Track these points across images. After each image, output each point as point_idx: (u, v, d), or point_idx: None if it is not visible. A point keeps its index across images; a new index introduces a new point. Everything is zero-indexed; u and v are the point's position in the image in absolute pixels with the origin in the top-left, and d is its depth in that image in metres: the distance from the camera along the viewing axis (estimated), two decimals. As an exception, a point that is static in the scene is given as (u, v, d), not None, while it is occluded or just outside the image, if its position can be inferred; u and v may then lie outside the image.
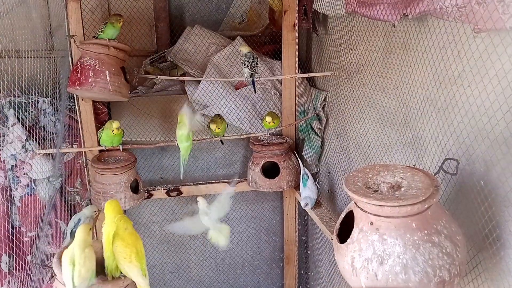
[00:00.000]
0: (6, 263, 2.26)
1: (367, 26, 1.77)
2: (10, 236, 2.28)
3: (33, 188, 2.31)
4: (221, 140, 2.42)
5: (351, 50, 1.95)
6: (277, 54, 2.60)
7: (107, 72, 2.01)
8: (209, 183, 2.63)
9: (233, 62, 2.53)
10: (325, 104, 2.32)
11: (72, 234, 1.88)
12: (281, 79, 2.50)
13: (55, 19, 2.44)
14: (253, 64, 2.11)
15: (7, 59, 1.94)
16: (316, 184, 2.28)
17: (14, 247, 2.25)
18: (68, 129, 2.42)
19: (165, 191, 2.57)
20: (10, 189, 2.28)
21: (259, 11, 2.77)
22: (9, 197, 2.27)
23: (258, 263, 3.03)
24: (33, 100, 2.31)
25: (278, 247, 3.00)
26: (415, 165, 1.50)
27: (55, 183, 2.36)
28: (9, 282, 2.28)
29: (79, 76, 1.99)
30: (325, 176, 2.40)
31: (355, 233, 1.13)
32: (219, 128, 2.23)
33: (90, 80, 1.99)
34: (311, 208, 2.27)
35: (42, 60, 2.34)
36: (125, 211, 2.44)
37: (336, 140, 2.22)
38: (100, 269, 1.42)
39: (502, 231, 1.12)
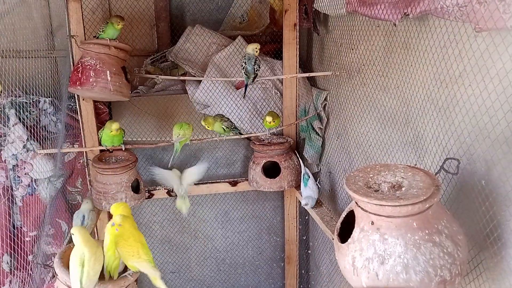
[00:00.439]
0: (8, 263, 2.27)
1: (368, 26, 1.77)
2: (12, 236, 2.29)
3: (34, 188, 2.31)
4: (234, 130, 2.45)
5: (352, 49, 1.95)
6: (278, 54, 2.60)
7: (108, 72, 2.01)
8: (210, 182, 2.63)
9: (234, 62, 2.53)
10: (326, 104, 2.31)
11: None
12: (282, 78, 2.50)
13: (56, 19, 2.44)
14: (249, 67, 2.11)
15: (9, 59, 1.94)
16: (317, 184, 2.28)
17: (16, 247, 2.26)
18: (69, 129, 2.42)
19: (166, 191, 2.57)
20: (12, 189, 2.29)
21: (260, 11, 2.77)
22: (10, 197, 2.28)
23: (259, 263, 3.03)
24: (34, 100, 2.31)
25: (279, 246, 3.00)
26: (416, 164, 1.50)
27: (56, 183, 2.37)
28: (10, 282, 2.29)
29: (80, 76, 1.99)
30: (326, 175, 2.40)
31: (356, 232, 1.13)
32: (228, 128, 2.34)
33: (91, 80, 1.99)
34: (312, 208, 2.27)
35: (43, 60, 2.34)
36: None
37: (337, 140, 2.22)
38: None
39: (503, 230, 1.12)
